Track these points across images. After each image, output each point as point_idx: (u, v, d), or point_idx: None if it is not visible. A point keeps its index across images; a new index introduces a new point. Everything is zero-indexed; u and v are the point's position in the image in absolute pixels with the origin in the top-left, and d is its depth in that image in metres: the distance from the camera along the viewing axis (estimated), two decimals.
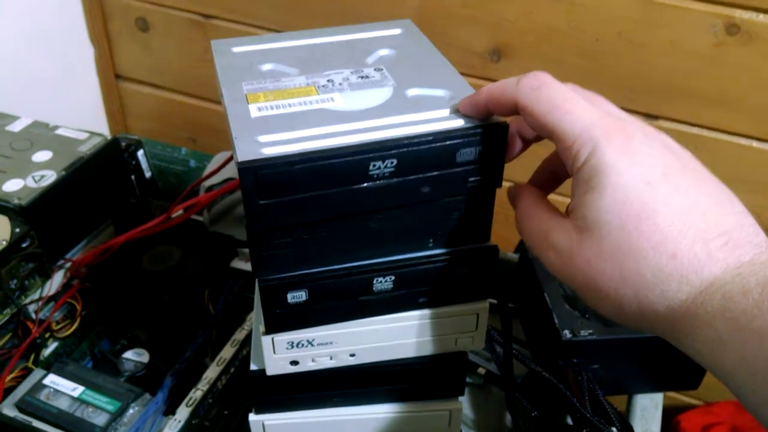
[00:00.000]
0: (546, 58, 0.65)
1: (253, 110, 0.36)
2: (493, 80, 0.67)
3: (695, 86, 0.61)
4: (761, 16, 0.56)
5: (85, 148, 0.62)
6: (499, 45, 0.66)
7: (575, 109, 0.31)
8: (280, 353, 0.38)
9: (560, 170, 0.36)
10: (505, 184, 0.36)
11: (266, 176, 0.31)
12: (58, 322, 0.58)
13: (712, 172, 0.31)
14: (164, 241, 0.61)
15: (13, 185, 0.58)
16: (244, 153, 0.32)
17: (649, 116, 0.64)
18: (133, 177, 0.68)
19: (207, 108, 0.87)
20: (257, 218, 0.33)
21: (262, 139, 0.33)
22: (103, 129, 0.94)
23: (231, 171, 0.63)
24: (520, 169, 0.39)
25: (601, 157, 0.29)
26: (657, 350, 0.51)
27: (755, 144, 0.62)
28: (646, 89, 0.63)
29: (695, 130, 0.63)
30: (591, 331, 0.50)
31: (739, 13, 0.57)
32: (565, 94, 0.31)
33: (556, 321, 0.51)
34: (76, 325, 0.59)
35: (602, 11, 0.61)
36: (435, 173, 0.34)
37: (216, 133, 0.87)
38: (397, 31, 0.44)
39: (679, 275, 0.28)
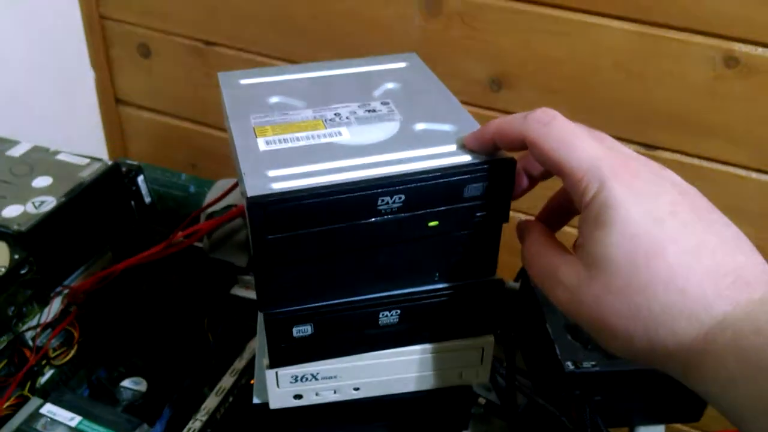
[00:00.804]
0: (545, 87, 0.66)
1: (262, 144, 0.36)
2: (494, 109, 0.68)
3: (694, 117, 0.62)
4: (760, 50, 0.57)
5: (86, 174, 0.62)
6: (499, 74, 0.67)
7: (583, 145, 0.31)
8: (284, 387, 0.38)
9: (568, 206, 0.36)
10: (512, 215, 0.36)
11: (275, 211, 0.31)
12: (54, 349, 0.58)
13: (711, 202, 0.31)
14: (164, 268, 0.60)
15: (12, 211, 0.57)
16: (254, 188, 0.32)
17: (648, 146, 0.65)
18: (132, 202, 0.68)
19: (207, 133, 0.87)
20: (265, 253, 0.33)
21: (271, 173, 0.33)
22: (103, 152, 0.94)
23: (232, 198, 0.63)
24: (525, 199, 0.39)
25: (609, 193, 0.30)
26: (660, 382, 0.51)
27: (754, 175, 0.62)
28: (645, 119, 0.64)
29: (694, 161, 0.63)
30: (594, 362, 0.50)
31: (738, 46, 0.58)
32: (574, 130, 0.32)
33: (558, 352, 0.51)
34: (73, 352, 0.58)
35: (601, 42, 0.62)
36: (442, 208, 0.34)
37: (215, 158, 0.87)
38: (402, 65, 0.45)
39: (688, 312, 0.28)
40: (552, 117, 0.32)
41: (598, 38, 0.62)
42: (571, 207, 0.35)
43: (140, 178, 0.69)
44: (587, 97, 0.63)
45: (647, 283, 0.29)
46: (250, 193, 0.31)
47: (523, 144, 0.33)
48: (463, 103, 0.40)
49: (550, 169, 0.32)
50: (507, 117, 0.34)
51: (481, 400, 0.54)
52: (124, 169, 0.67)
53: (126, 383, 0.57)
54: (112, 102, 0.90)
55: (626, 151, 0.32)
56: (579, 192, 0.31)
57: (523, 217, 0.37)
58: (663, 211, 0.29)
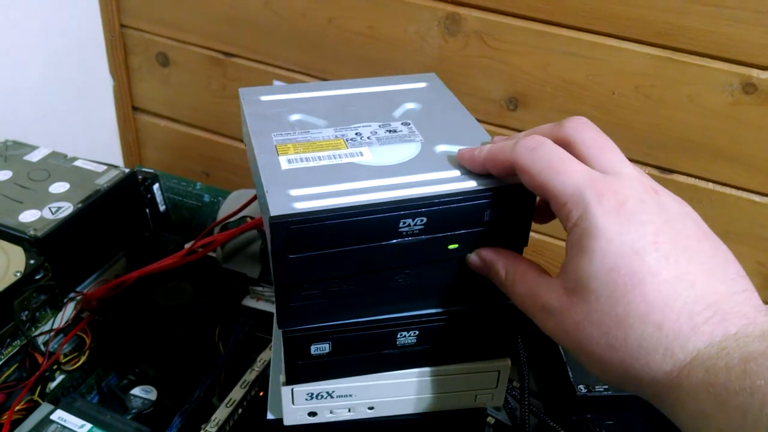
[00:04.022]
0: (562, 109, 0.66)
1: (283, 162, 0.36)
2: (510, 128, 0.68)
3: (711, 142, 0.62)
4: None
5: (103, 181, 0.63)
6: (516, 94, 0.67)
7: (569, 170, 0.31)
8: (298, 404, 0.38)
9: None
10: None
11: (297, 231, 0.32)
12: (65, 355, 0.58)
13: (725, 226, 0.31)
14: (177, 277, 0.61)
15: (29, 216, 0.58)
16: (277, 207, 0.32)
17: (665, 170, 0.65)
18: (147, 210, 0.69)
19: (221, 143, 0.87)
20: (286, 271, 0.33)
21: (294, 192, 0.33)
22: (118, 159, 0.95)
23: (246, 209, 0.63)
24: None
25: (591, 220, 0.30)
26: None
27: None
28: (662, 143, 0.64)
29: (710, 186, 0.63)
30: (606, 386, 0.50)
31: (756, 73, 0.58)
32: (560, 155, 0.32)
33: (570, 375, 0.51)
34: (84, 358, 0.58)
35: (620, 66, 0.62)
36: (463, 231, 0.34)
37: (229, 167, 0.88)
38: (422, 85, 0.45)
39: (663, 347, 0.28)
40: (540, 142, 0.32)
41: (617, 61, 0.62)
42: None
43: (156, 187, 0.69)
44: (604, 120, 0.63)
45: (624, 316, 0.29)
46: (273, 212, 0.32)
47: (512, 169, 0.33)
48: (480, 121, 0.40)
49: (538, 193, 0.33)
50: (499, 143, 0.34)
51: (490, 419, 0.54)
52: (140, 177, 0.67)
53: (136, 391, 0.57)
54: (129, 109, 0.91)
55: (622, 168, 0.32)
56: (563, 216, 0.31)
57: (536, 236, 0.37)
58: (645, 242, 0.29)
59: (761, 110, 0.59)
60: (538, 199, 0.35)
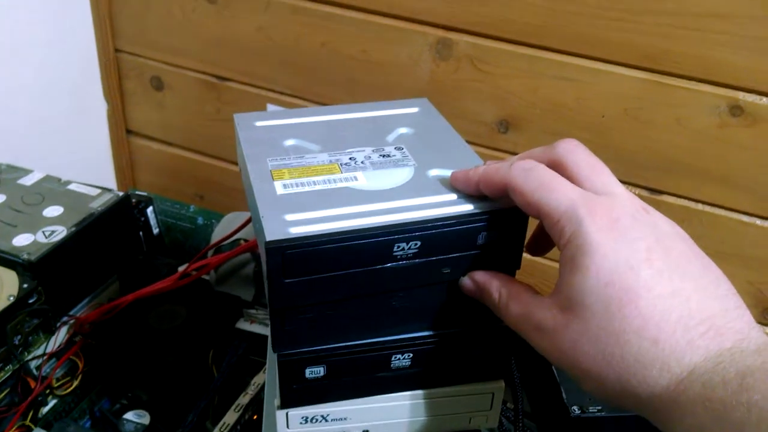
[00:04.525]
0: (552, 131, 0.67)
1: (279, 187, 0.36)
2: (501, 150, 0.69)
3: (700, 164, 0.63)
4: (764, 99, 0.58)
5: (96, 205, 0.63)
6: (507, 117, 0.68)
7: (562, 189, 0.32)
8: (293, 428, 0.38)
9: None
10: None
11: (293, 256, 0.32)
12: (58, 379, 0.58)
13: (715, 246, 0.32)
14: (170, 300, 0.61)
15: (23, 240, 0.58)
16: (272, 232, 0.32)
17: (654, 191, 0.65)
18: (141, 233, 0.69)
19: (215, 165, 0.88)
20: (282, 296, 0.33)
21: (289, 217, 0.34)
22: (111, 182, 0.95)
23: (240, 232, 0.63)
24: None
25: (585, 237, 0.30)
26: None
27: (758, 222, 0.63)
28: (652, 165, 0.65)
29: (699, 206, 0.64)
30: (600, 407, 0.50)
31: (742, 96, 0.59)
32: (553, 175, 0.32)
33: (564, 396, 0.51)
34: (76, 382, 0.58)
35: (609, 89, 0.63)
36: (456, 255, 0.35)
37: (223, 189, 0.88)
38: (414, 110, 0.46)
39: (660, 362, 0.29)
40: (534, 164, 0.33)
41: (606, 85, 0.63)
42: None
43: (149, 210, 0.69)
44: (594, 142, 0.64)
45: (620, 331, 0.29)
46: (269, 237, 0.32)
47: (505, 191, 0.34)
48: (471, 143, 0.41)
49: (530, 212, 0.33)
50: (494, 164, 0.35)
51: None
52: (133, 200, 0.68)
53: (129, 416, 0.57)
54: (123, 133, 0.91)
55: (613, 188, 0.33)
56: (556, 234, 0.32)
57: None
58: (638, 258, 0.30)
59: (748, 132, 0.60)
60: (532, 228, 0.35)
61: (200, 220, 0.75)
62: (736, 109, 0.59)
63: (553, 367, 0.53)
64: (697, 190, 0.64)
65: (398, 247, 0.33)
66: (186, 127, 0.87)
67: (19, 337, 0.55)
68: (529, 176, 0.32)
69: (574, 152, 0.34)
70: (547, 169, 0.33)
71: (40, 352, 0.57)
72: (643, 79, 0.61)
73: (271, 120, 0.44)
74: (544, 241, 0.38)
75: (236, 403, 0.54)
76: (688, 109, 0.61)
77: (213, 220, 0.74)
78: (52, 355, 0.57)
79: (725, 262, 0.32)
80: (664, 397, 0.28)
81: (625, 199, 0.32)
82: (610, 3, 0.59)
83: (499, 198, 0.35)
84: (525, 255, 0.37)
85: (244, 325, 0.62)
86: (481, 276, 0.36)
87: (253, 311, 0.63)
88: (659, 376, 0.28)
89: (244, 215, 0.65)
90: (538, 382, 0.57)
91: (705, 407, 0.27)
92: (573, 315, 0.30)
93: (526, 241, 0.38)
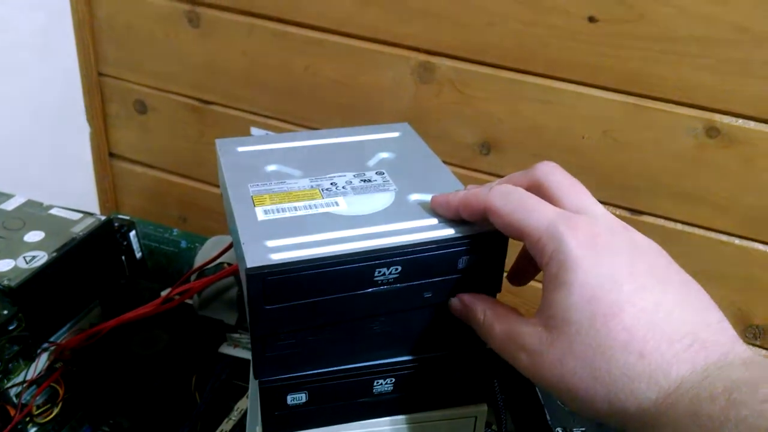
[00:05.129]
0: (533, 152, 0.68)
1: (260, 213, 0.36)
2: (483, 172, 0.70)
3: (678, 184, 0.63)
4: (740, 121, 0.59)
5: (78, 229, 0.62)
6: (488, 139, 0.69)
7: (541, 208, 0.32)
8: None
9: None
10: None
11: (274, 282, 0.32)
12: (38, 407, 0.57)
13: (695, 266, 0.32)
14: (153, 324, 0.60)
15: (3, 265, 0.57)
16: (253, 259, 0.32)
17: (634, 211, 0.66)
18: (123, 258, 0.68)
19: (198, 188, 0.88)
20: (263, 323, 0.33)
21: (270, 244, 0.34)
22: (94, 205, 0.94)
23: (224, 256, 0.63)
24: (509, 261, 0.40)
25: (567, 254, 0.30)
26: None
27: (737, 241, 0.64)
28: (631, 186, 0.65)
29: (678, 226, 0.65)
30: (584, 428, 0.50)
31: (719, 118, 0.60)
32: (531, 196, 0.33)
33: (548, 417, 0.51)
34: (57, 410, 0.57)
35: (588, 111, 0.64)
36: (437, 279, 0.35)
37: (207, 212, 0.88)
38: (395, 134, 0.46)
39: (647, 376, 0.29)
40: (512, 188, 0.34)
41: (585, 107, 0.64)
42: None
43: (132, 234, 0.69)
44: (574, 164, 0.64)
45: (606, 346, 0.29)
46: (250, 264, 0.32)
47: (485, 215, 0.34)
48: (454, 165, 0.41)
49: (511, 233, 0.33)
50: (473, 189, 0.35)
51: None
52: (116, 224, 0.67)
53: None
54: (106, 156, 0.91)
55: (592, 208, 0.33)
56: (538, 252, 0.32)
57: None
58: (621, 273, 0.30)
59: (724, 153, 0.61)
60: (512, 255, 0.36)
61: (183, 244, 0.74)
62: (712, 131, 0.60)
63: (536, 388, 0.53)
64: (676, 210, 0.65)
65: (379, 272, 0.33)
66: (169, 150, 0.87)
67: None
68: (508, 198, 0.33)
69: (553, 173, 0.35)
70: (525, 191, 0.33)
71: (20, 379, 0.56)
72: (622, 102, 0.62)
73: (253, 145, 0.44)
74: (525, 269, 0.39)
75: (219, 429, 0.54)
76: (666, 130, 0.62)
77: (196, 244, 0.73)
78: (32, 383, 0.56)
79: (705, 281, 0.32)
80: (653, 411, 0.28)
81: (604, 216, 0.33)
82: (589, 28, 0.61)
83: (479, 222, 0.35)
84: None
85: (227, 349, 0.62)
86: (467, 297, 0.36)
87: (236, 335, 0.62)
88: (647, 390, 0.28)
89: (228, 239, 0.64)
90: (521, 404, 0.57)
91: (694, 422, 0.27)
92: (558, 332, 0.30)
93: (507, 267, 0.38)
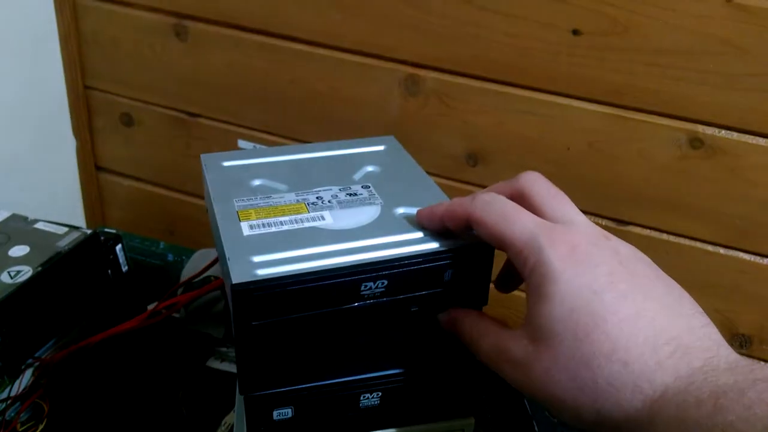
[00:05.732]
0: (519, 164, 0.68)
1: (245, 228, 0.36)
2: (470, 183, 0.70)
3: (663, 195, 0.64)
4: (723, 132, 0.60)
5: (64, 243, 0.62)
6: (475, 151, 0.69)
7: (523, 219, 0.32)
8: None
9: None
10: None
11: (260, 298, 0.32)
12: (22, 423, 0.56)
13: (681, 275, 0.32)
14: (139, 339, 0.60)
15: None
16: (239, 275, 0.32)
17: (619, 221, 0.67)
18: (109, 271, 0.68)
19: (185, 201, 0.87)
20: (248, 338, 0.33)
21: (256, 259, 0.33)
22: (80, 219, 0.94)
23: (211, 269, 0.63)
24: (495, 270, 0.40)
25: (548, 266, 0.31)
26: None
27: (722, 251, 0.64)
28: (616, 196, 0.66)
29: (663, 236, 0.65)
30: None
31: (702, 128, 0.61)
32: (513, 206, 0.33)
33: (536, 429, 0.51)
34: (42, 426, 0.56)
35: (573, 123, 0.64)
36: (424, 292, 0.35)
37: (194, 225, 0.88)
38: (381, 148, 0.46)
39: (632, 384, 0.29)
40: (495, 197, 0.34)
41: (570, 119, 0.64)
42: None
43: (118, 247, 0.68)
44: (559, 175, 0.64)
45: (590, 356, 0.29)
46: (235, 279, 0.32)
47: (469, 225, 0.34)
48: (440, 176, 0.41)
49: (494, 243, 0.34)
50: (456, 199, 0.35)
51: None
52: (102, 237, 0.67)
53: None
54: (93, 169, 0.90)
55: (574, 217, 0.34)
56: (520, 263, 0.32)
57: None
58: (601, 283, 0.30)
59: (708, 164, 0.61)
60: (498, 265, 0.36)
61: (170, 257, 0.74)
62: (696, 142, 0.61)
63: (525, 400, 0.53)
64: (660, 220, 0.65)
65: (365, 286, 0.33)
66: (156, 162, 0.87)
67: None
68: (491, 208, 0.33)
69: (536, 183, 0.35)
70: (508, 200, 0.34)
71: (4, 395, 0.55)
72: (606, 114, 0.63)
73: (238, 160, 0.44)
74: (512, 276, 0.39)
75: None
76: (650, 141, 0.62)
77: (183, 257, 0.73)
78: (16, 399, 0.56)
79: (692, 291, 0.32)
80: (640, 419, 0.28)
81: (585, 226, 0.33)
82: (574, 40, 0.61)
83: (464, 233, 0.35)
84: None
85: (215, 363, 0.61)
86: (454, 312, 0.36)
87: (224, 349, 0.62)
88: (633, 398, 0.29)
89: (215, 252, 0.64)
90: (509, 416, 0.57)
91: (681, 429, 0.27)
92: (543, 344, 0.30)
93: (493, 277, 0.38)
